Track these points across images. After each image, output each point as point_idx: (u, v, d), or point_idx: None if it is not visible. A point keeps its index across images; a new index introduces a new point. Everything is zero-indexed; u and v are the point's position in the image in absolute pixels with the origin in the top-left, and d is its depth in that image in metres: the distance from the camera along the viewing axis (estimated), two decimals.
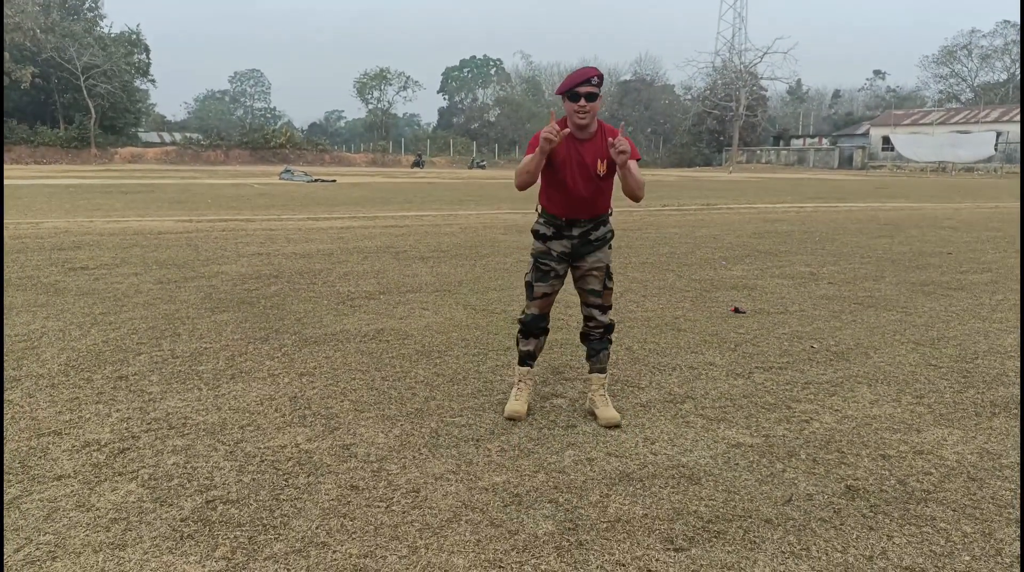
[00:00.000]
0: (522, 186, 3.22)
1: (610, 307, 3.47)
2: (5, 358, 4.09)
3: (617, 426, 3.28)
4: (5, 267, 6.84)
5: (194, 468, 2.82)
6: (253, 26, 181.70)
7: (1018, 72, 73.76)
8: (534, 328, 3.50)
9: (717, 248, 9.38)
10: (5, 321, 4.90)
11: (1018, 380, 4.06)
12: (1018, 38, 73.17)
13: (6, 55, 48.31)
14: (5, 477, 2.70)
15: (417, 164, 54.08)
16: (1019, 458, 3.04)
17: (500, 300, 5.94)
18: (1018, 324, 5.37)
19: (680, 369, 4.16)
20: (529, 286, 3.44)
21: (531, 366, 3.55)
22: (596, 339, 3.46)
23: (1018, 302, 6.18)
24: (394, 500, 2.60)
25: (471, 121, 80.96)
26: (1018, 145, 55.70)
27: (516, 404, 3.45)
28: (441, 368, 4.12)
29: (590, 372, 3.48)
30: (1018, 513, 2.58)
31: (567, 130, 3.14)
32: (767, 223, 13.10)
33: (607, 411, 3.34)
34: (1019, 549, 2.35)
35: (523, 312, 3.51)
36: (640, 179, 3.20)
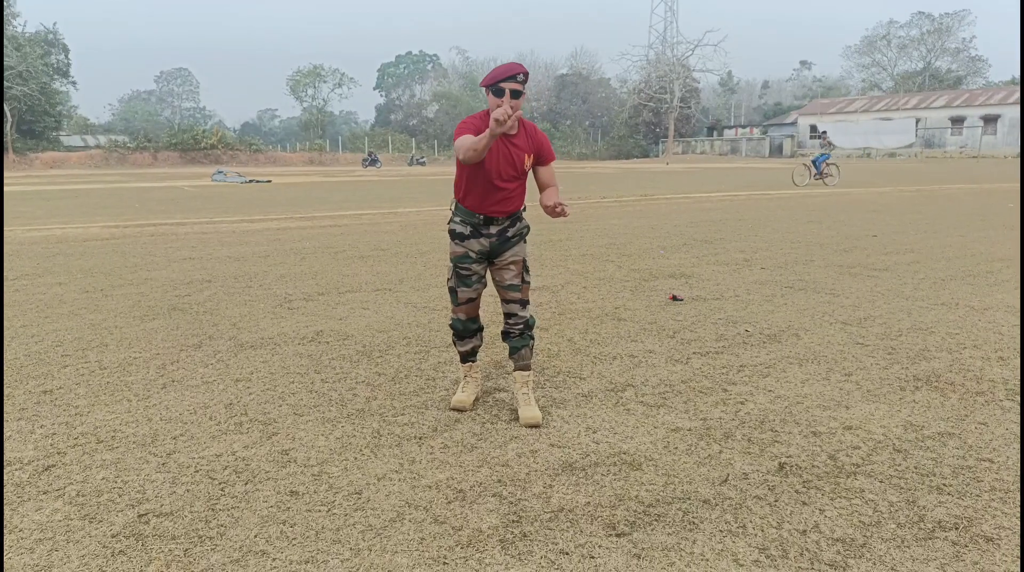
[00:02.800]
0: (467, 161, 3.05)
1: (528, 302, 3.45)
2: None
3: (537, 426, 3.23)
4: None
5: (124, 482, 2.72)
6: (178, 25, 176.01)
7: (934, 61, 77.38)
8: (466, 331, 3.49)
9: (655, 238, 9.54)
10: None
11: (939, 354, 4.26)
12: (932, 28, 76.74)
13: None
14: None
15: (373, 163, 51.38)
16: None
17: (442, 297, 5.91)
18: (939, 302, 5.63)
19: (621, 358, 4.22)
20: (453, 292, 3.42)
21: (474, 361, 3.55)
22: (516, 336, 3.42)
23: (939, 280, 6.48)
24: (335, 503, 2.56)
25: (409, 117, 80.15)
26: (936, 131, 58.38)
27: (462, 395, 3.46)
28: (383, 367, 4.07)
29: (513, 370, 3.47)
30: (940, 481, 2.70)
31: (520, 113, 3.01)
32: (703, 212, 13.39)
33: (528, 410, 3.30)
34: (941, 514, 2.46)
35: (452, 317, 3.50)
36: (557, 186, 3.34)
